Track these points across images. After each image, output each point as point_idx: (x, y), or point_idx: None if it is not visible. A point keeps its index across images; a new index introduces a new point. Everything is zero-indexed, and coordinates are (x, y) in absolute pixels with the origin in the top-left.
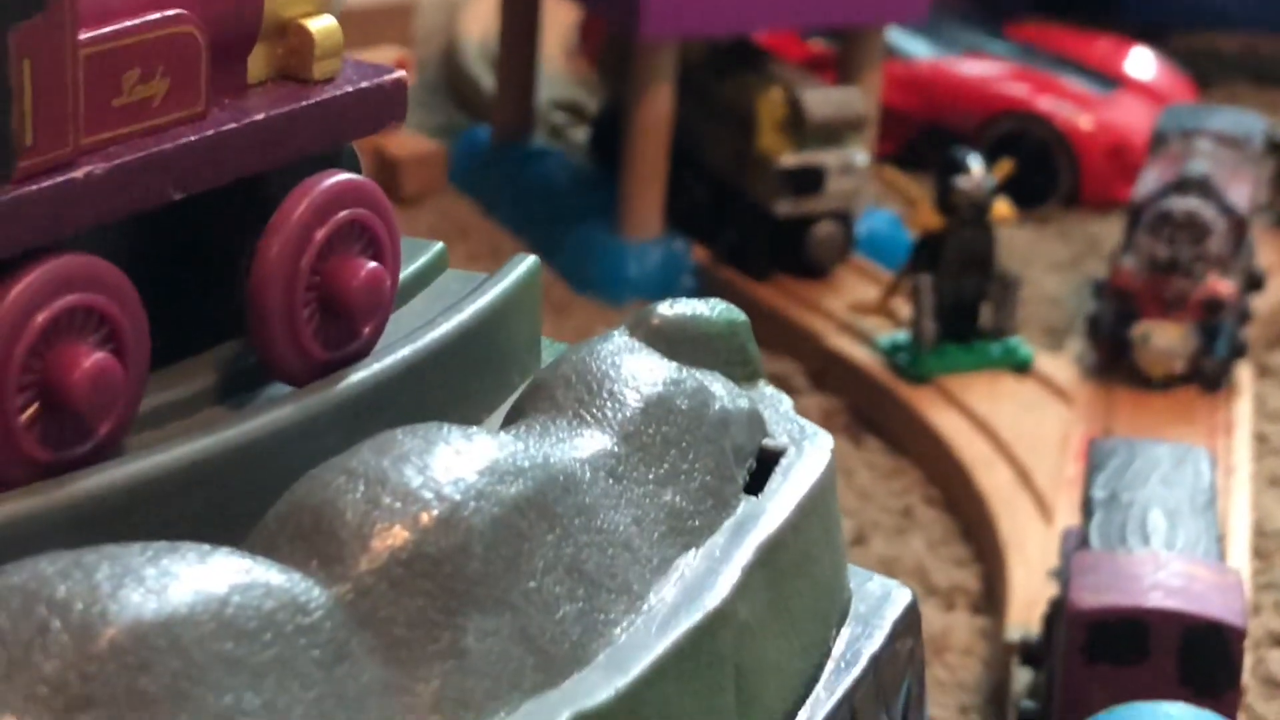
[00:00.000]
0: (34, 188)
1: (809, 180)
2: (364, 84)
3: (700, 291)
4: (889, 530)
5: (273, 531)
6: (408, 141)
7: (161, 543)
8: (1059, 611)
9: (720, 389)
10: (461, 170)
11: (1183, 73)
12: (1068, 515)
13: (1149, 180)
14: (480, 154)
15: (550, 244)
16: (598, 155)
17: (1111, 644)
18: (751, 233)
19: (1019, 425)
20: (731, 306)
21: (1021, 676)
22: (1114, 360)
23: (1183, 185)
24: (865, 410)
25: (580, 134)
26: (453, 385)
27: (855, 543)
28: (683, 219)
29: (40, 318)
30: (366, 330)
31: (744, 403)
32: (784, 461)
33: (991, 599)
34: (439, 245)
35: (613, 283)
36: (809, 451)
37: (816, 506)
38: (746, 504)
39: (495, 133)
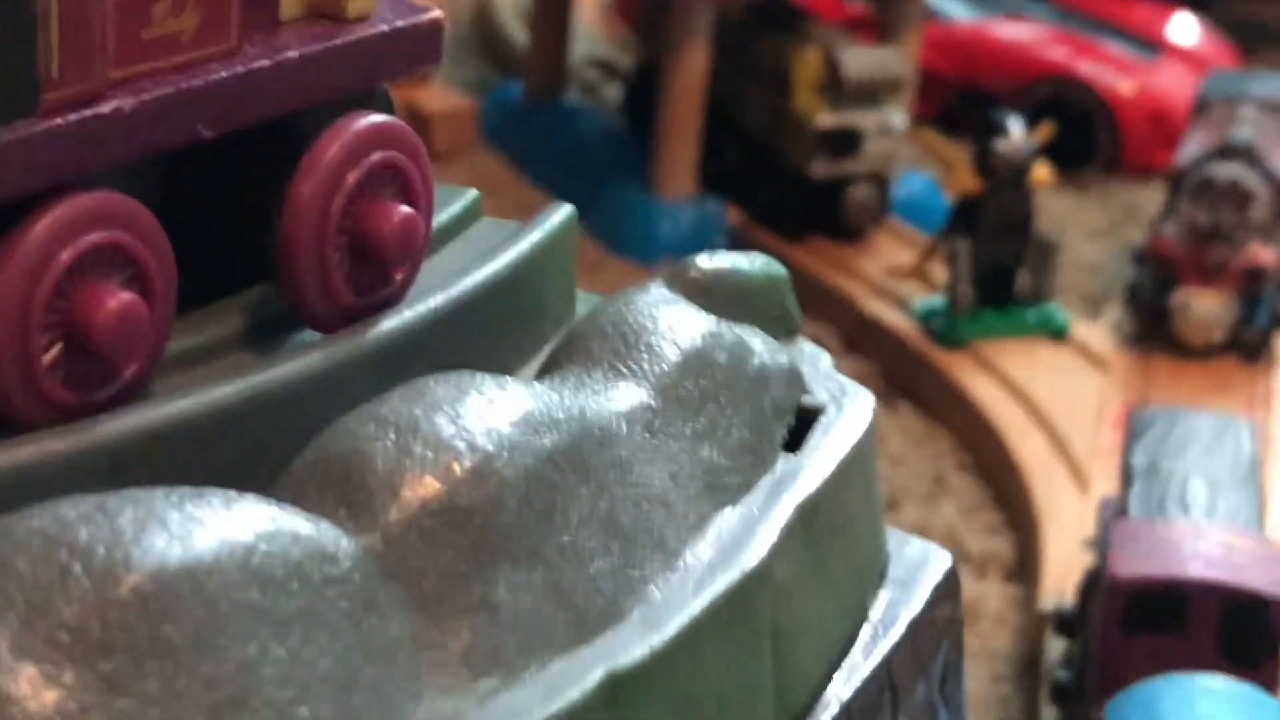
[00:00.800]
0: (60, 122)
1: (845, 142)
2: (399, 23)
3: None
4: (921, 496)
5: (301, 479)
6: (439, 96)
7: (187, 488)
8: (1095, 581)
9: (759, 344)
10: (493, 126)
11: (1225, 39)
12: (1103, 484)
13: (1191, 147)
14: (512, 110)
15: (582, 203)
16: (631, 113)
17: (1150, 614)
18: (786, 194)
19: (1055, 392)
20: (771, 260)
21: (1055, 646)
22: (1152, 328)
23: (1226, 152)
24: (899, 375)
25: (613, 91)
26: (486, 335)
27: (887, 509)
28: (716, 179)
29: (64, 255)
30: (398, 276)
31: (783, 359)
32: (824, 419)
33: (1025, 567)
34: (473, 192)
35: (645, 243)
36: (849, 410)
37: (856, 466)
38: (785, 461)
39: (528, 89)
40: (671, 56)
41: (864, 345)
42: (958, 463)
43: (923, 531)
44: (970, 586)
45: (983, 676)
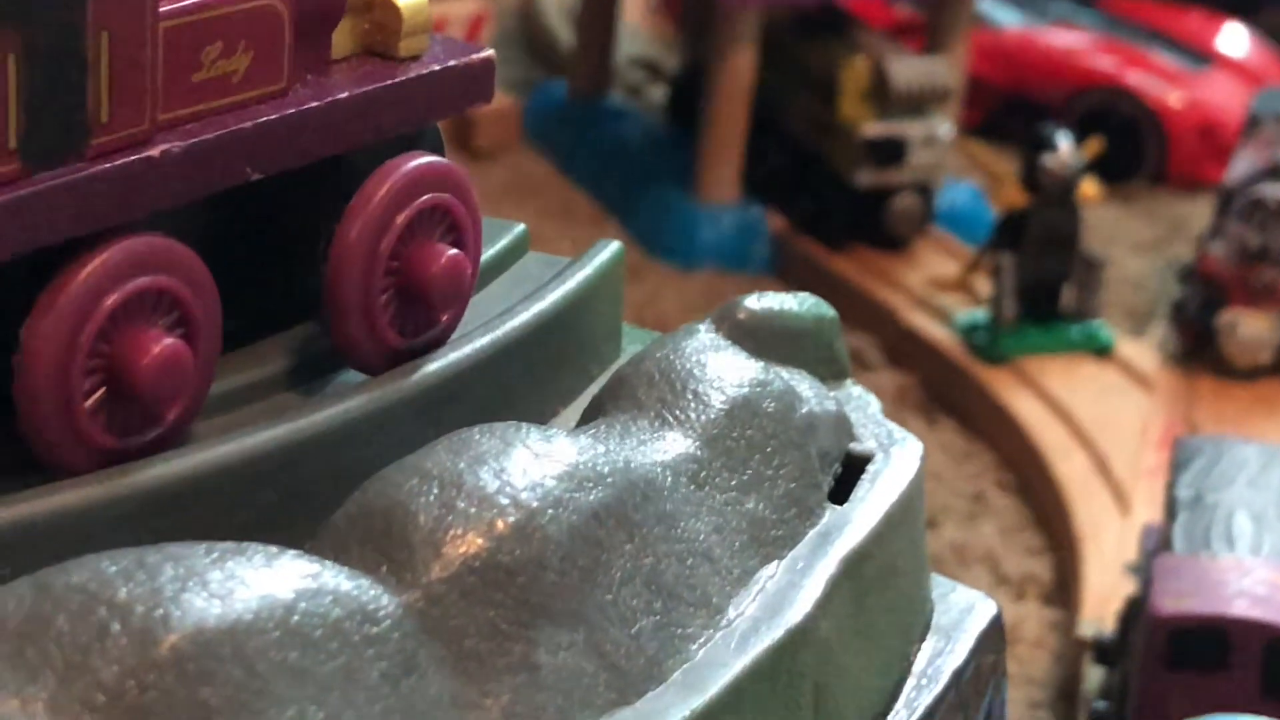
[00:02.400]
0: (108, 165)
1: (891, 151)
2: (451, 62)
3: (775, 260)
4: (961, 515)
5: (342, 533)
6: None
7: (228, 543)
8: (1137, 611)
9: (807, 390)
10: (536, 125)
11: (1275, 50)
12: (1146, 506)
13: (1241, 164)
14: (556, 110)
15: (623, 205)
16: (675, 116)
17: (1192, 652)
18: (830, 202)
19: (1097, 411)
20: (820, 301)
21: (1094, 675)
22: (1198, 348)
23: (1277, 171)
24: (940, 389)
25: (658, 93)
26: (530, 376)
27: (926, 527)
28: (760, 185)
29: (110, 300)
30: (445, 318)
31: (831, 405)
32: (871, 468)
33: (1064, 590)
34: (520, 227)
35: (686, 247)
36: (897, 457)
37: (904, 516)
38: (831, 513)
39: (572, 88)
40: (717, 61)
41: (905, 357)
42: (998, 481)
43: (962, 551)
44: (1009, 609)
45: (1020, 702)
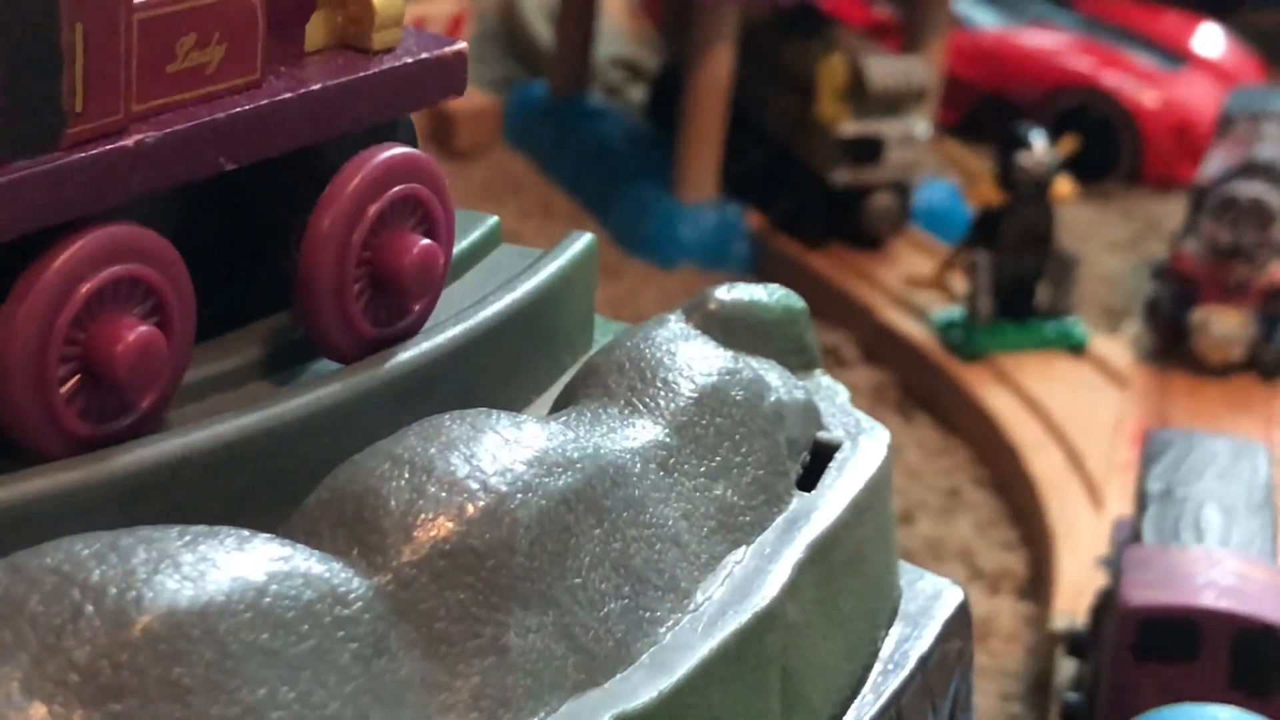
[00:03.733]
0: (82, 155)
1: (868, 150)
2: (424, 55)
3: (753, 258)
4: (936, 510)
5: (314, 517)
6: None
7: (200, 527)
8: (1108, 604)
9: (776, 379)
10: (516, 125)
11: (1252, 50)
12: (1119, 502)
13: (1214, 163)
14: (536, 109)
15: (602, 203)
16: (654, 115)
17: (1161, 642)
18: (807, 200)
19: (1072, 408)
20: (790, 293)
21: (1066, 667)
22: (1171, 345)
23: (1249, 170)
24: (916, 386)
25: (637, 93)
26: (503, 365)
27: (902, 522)
28: (738, 183)
29: (84, 288)
30: (417, 308)
31: (800, 394)
32: (839, 456)
33: (1038, 585)
34: (493, 219)
35: (664, 245)
36: (865, 446)
37: (871, 504)
38: (799, 500)
39: (552, 88)
40: (696, 59)
41: (882, 354)
42: (973, 476)
43: (937, 546)
44: (983, 603)
45: (993, 694)
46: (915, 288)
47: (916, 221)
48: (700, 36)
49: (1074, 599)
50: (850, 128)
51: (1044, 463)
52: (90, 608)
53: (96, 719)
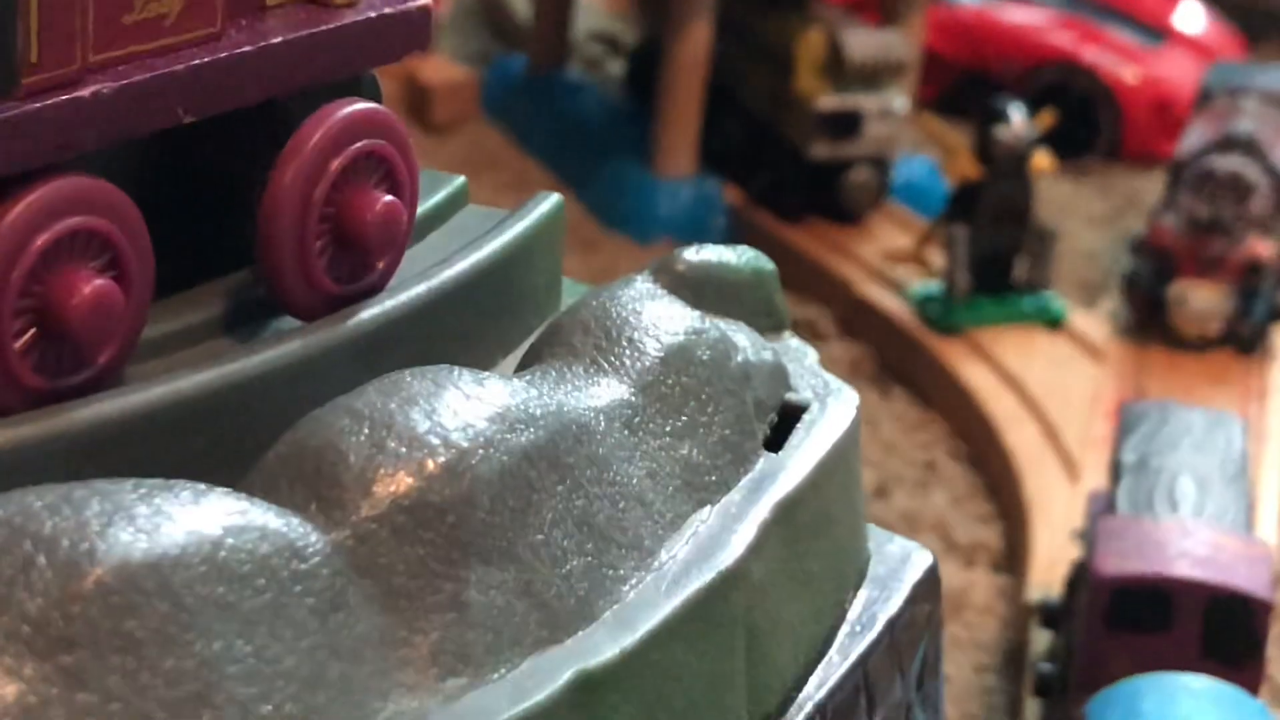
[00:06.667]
0: (38, 105)
1: (846, 124)
2: (387, 10)
3: (731, 232)
4: (912, 484)
5: (273, 472)
6: (440, 68)
7: (155, 480)
8: (1082, 575)
9: (744, 340)
10: (494, 99)
11: (1232, 27)
12: (1095, 475)
13: (1193, 138)
14: (513, 84)
15: (580, 178)
16: (632, 90)
17: (1134, 612)
18: (785, 175)
19: (1049, 382)
20: (759, 255)
21: (1040, 639)
22: (1148, 319)
23: (1227, 144)
24: (893, 360)
25: (616, 67)
26: (467, 325)
27: (877, 495)
28: (716, 158)
29: (40, 240)
30: (380, 265)
31: (768, 355)
32: (806, 417)
33: (1013, 558)
34: (459, 179)
35: (642, 220)
36: (833, 408)
37: (838, 465)
38: (765, 460)
39: (529, 63)
40: (674, 34)
41: (859, 329)
42: (949, 450)
43: (913, 519)
44: (958, 576)
45: (967, 666)
46: (893, 262)
47: (895, 196)
48: (678, 10)
49: (1049, 572)
50: (829, 102)
51: (1020, 437)
52: (42, 560)
53: (48, 671)
